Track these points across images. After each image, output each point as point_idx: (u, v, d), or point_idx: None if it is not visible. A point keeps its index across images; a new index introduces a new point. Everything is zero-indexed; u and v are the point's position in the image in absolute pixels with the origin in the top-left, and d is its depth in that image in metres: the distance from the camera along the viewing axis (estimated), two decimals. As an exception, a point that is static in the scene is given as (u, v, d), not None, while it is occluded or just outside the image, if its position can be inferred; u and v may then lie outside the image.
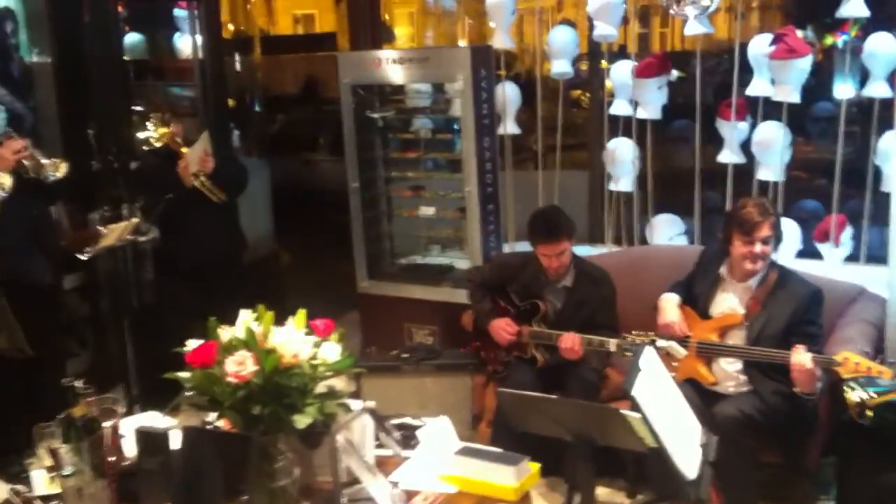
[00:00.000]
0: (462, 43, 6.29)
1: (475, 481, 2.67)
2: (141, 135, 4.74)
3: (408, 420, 3.04)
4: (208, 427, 2.51)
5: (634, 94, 5.01)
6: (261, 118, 7.92)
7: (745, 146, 4.80)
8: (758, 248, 3.65)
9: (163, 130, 4.71)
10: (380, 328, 5.29)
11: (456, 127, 5.25)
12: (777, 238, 3.78)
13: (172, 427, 2.60)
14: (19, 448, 4.56)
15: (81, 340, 5.39)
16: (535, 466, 2.75)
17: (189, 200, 4.80)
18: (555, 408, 2.86)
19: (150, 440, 2.40)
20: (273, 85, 10.80)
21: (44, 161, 4.24)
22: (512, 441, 3.14)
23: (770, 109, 4.71)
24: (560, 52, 5.25)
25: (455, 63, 4.92)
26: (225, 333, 2.50)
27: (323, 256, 7.67)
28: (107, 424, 2.58)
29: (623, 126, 5.15)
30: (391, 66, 5.05)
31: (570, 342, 3.94)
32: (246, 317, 2.52)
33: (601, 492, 3.98)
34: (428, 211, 5.33)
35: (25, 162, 4.20)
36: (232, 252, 5.14)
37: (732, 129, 4.76)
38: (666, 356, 3.47)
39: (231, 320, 2.52)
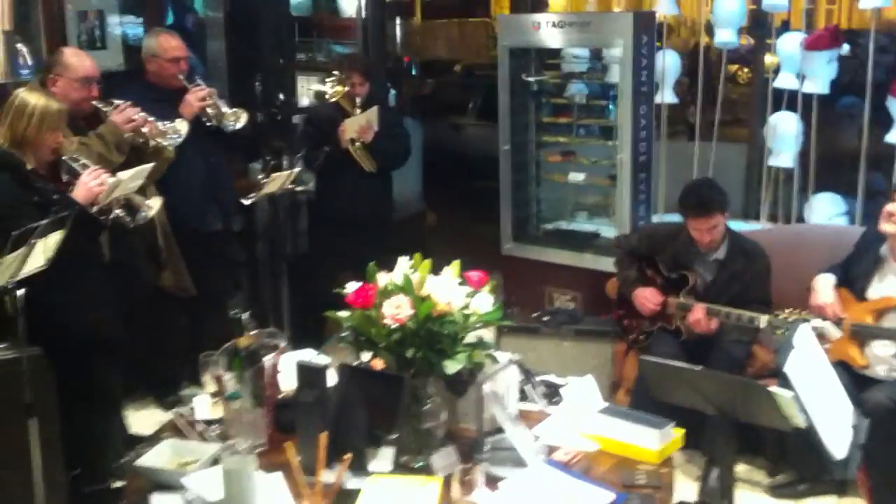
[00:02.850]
0: (618, 9, 6.19)
1: (617, 442, 2.69)
2: (317, 86, 4.86)
3: (552, 378, 3.07)
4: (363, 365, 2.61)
5: (803, 67, 4.83)
6: (416, 80, 8.05)
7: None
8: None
9: (339, 89, 4.81)
10: (522, 291, 5.32)
11: (612, 93, 5.21)
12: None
13: (328, 364, 2.71)
14: (176, 379, 4.90)
15: (236, 282, 5.67)
16: (679, 431, 2.74)
17: (346, 159, 4.94)
18: (699, 379, 2.83)
19: (309, 374, 2.52)
20: (427, 48, 10.93)
21: (225, 110, 4.40)
22: (651, 411, 3.12)
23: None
24: (727, 21, 5.11)
25: (616, 28, 4.87)
26: (382, 278, 2.59)
27: (467, 218, 7.75)
28: (268, 357, 2.72)
29: (787, 101, 4.99)
30: (550, 30, 5.04)
31: (698, 314, 3.88)
32: (403, 264, 2.61)
33: (740, 469, 3.92)
34: (577, 177, 5.31)
35: (209, 110, 4.40)
36: (380, 212, 5.26)
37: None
38: (818, 337, 3.37)
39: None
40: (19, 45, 4.69)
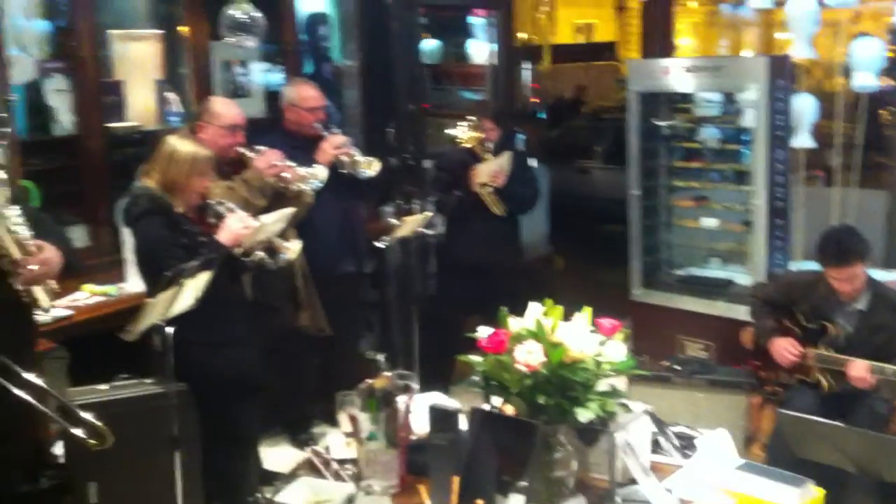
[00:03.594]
0: (747, 53, 6.10)
1: (755, 499, 2.61)
2: (451, 132, 4.96)
3: (684, 429, 3.01)
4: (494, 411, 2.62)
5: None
6: (543, 124, 8.10)
7: None
8: None
9: (472, 135, 4.90)
10: (651, 338, 5.22)
11: (745, 138, 5.11)
12: None
13: (459, 408, 2.74)
14: (309, 417, 5.02)
15: (368, 323, 5.78)
16: (819, 491, 2.64)
17: (475, 203, 5.00)
18: (841, 436, 2.73)
19: (442, 417, 2.55)
20: (554, 92, 10.99)
21: (359, 158, 4.55)
22: (788, 467, 3.01)
23: None
24: (866, 64, 4.96)
25: (749, 73, 4.81)
26: (514, 324, 2.61)
27: (594, 263, 7.71)
28: (401, 398, 2.77)
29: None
30: (680, 75, 5.02)
31: (862, 370, 3.71)
32: (535, 310, 2.62)
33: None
34: (710, 222, 5.22)
35: (343, 158, 4.55)
36: (508, 256, 5.29)
37: None
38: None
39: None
40: (168, 94, 4.98)
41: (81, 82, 4.48)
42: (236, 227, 3.52)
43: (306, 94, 4.58)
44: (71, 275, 3.17)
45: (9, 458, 3.22)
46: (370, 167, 4.54)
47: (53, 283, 2.92)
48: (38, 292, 2.88)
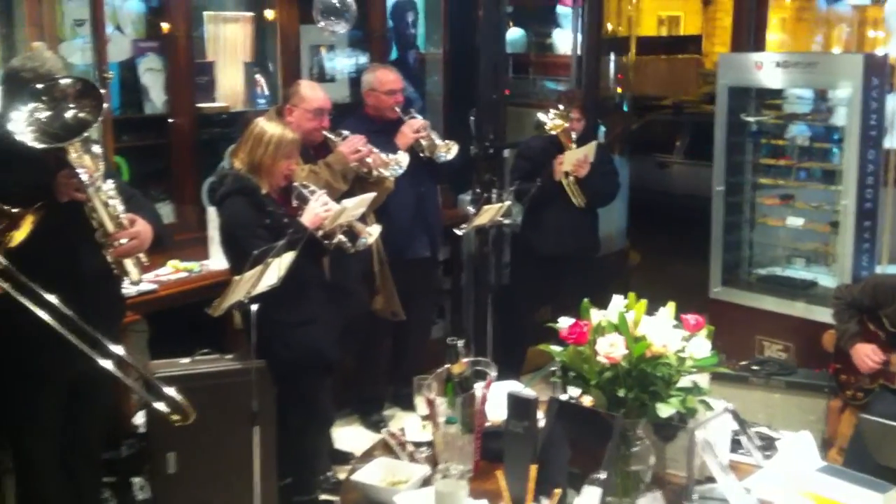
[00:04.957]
0: (838, 48, 5.94)
1: (836, 503, 2.55)
2: (539, 116, 4.93)
3: (766, 430, 2.96)
4: (572, 401, 2.61)
5: None
6: (627, 117, 8.00)
7: None
8: None
9: (558, 123, 4.85)
10: (729, 337, 5.12)
11: (836, 136, 4.99)
12: None
13: (536, 397, 2.73)
14: (380, 398, 5.07)
15: (440, 309, 5.81)
16: (905, 499, 2.56)
17: (555, 193, 4.97)
18: (928, 444, 2.65)
19: (520, 405, 2.54)
20: (636, 84, 10.86)
21: (437, 142, 4.58)
22: (868, 473, 2.94)
23: None
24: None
25: (844, 70, 4.69)
26: (596, 316, 2.59)
27: (671, 258, 7.62)
28: (478, 385, 2.78)
29: None
30: (773, 70, 4.91)
31: None
32: (618, 302, 2.60)
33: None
34: (796, 222, 5.11)
35: (423, 141, 4.58)
36: (585, 248, 5.26)
37: None
38: None
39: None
40: (257, 76, 5.06)
41: (174, 62, 4.57)
42: (318, 209, 3.59)
43: (385, 78, 4.62)
44: (160, 249, 3.26)
45: (93, 425, 3.34)
46: (448, 151, 4.57)
47: (143, 257, 3.00)
48: (129, 265, 2.96)
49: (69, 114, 2.78)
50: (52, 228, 2.76)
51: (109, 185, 2.89)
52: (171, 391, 2.28)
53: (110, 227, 2.86)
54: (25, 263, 2.50)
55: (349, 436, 4.76)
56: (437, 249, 5.15)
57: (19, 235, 2.62)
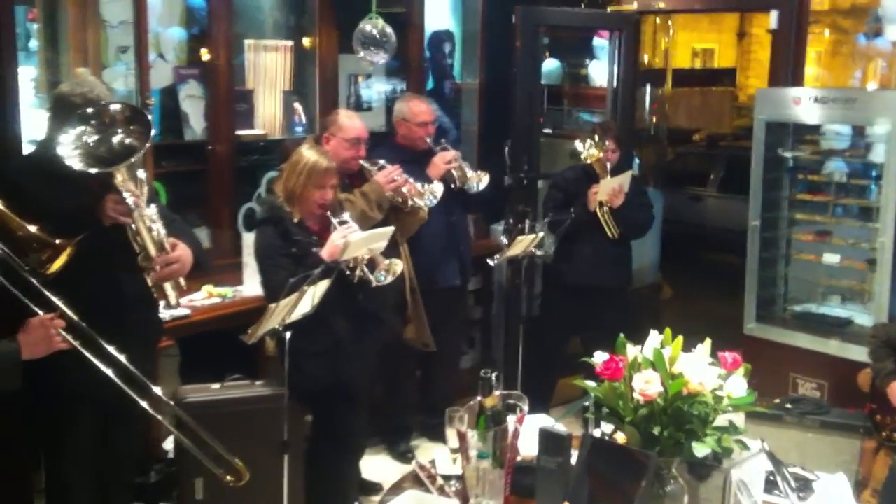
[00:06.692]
0: (873, 85, 5.90)
1: (873, 548, 2.51)
2: (576, 144, 4.94)
3: (800, 470, 2.91)
4: (605, 438, 2.59)
5: None
6: (661, 149, 8.00)
7: None
8: None
9: (595, 153, 4.86)
10: (762, 374, 5.06)
11: (874, 173, 4.95)
12: None
13: (569, 433, 2.71)
14: (408, 428, 5.05)
15: (470, 339, 5.80)
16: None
17: (589, 224, 4.95)
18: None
19: (552, 440, 2.53)
20: (670, 116, 10.84)
21: (469, 173, 4.60)
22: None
23: None
24: None
25: (882, 106, 4.65)
26: (631, 351, 2.57)
27: (704, 293, 7.55)
28: (510, 418, 2.76)
29: None
30: (810, 105, 4.87)
31: None
32: (654, 339, 2.58)
33: None
34: (832, 258, 5.05)
35: (454, 172, 4.59)
36: (617, 280, 5.22)
37: None
38: None
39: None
40: (296, 104, 5.12)
41: (214, 89, 4.64)
42: (338, 241, 3.49)
43: (418, 109, 4.65)
44: (199, 274, 3.28)
45: (127, 449, 3.36)
46: (479, 181, 4.59)
47: (182, 281, 3.02)
48: (168, 289, 2.99)
49: (117, 139, 2.82)
50: (94, 252, 2.79)
51: (153, 210, 2.92)
52: (224, 452, 2.27)
53: (153, 250, 2.89)
54: (67, 287, 2.53)
55: (376, 465, 4.73)
56: (468, 278, 5.15)
57: (58, 263, 2.65)
